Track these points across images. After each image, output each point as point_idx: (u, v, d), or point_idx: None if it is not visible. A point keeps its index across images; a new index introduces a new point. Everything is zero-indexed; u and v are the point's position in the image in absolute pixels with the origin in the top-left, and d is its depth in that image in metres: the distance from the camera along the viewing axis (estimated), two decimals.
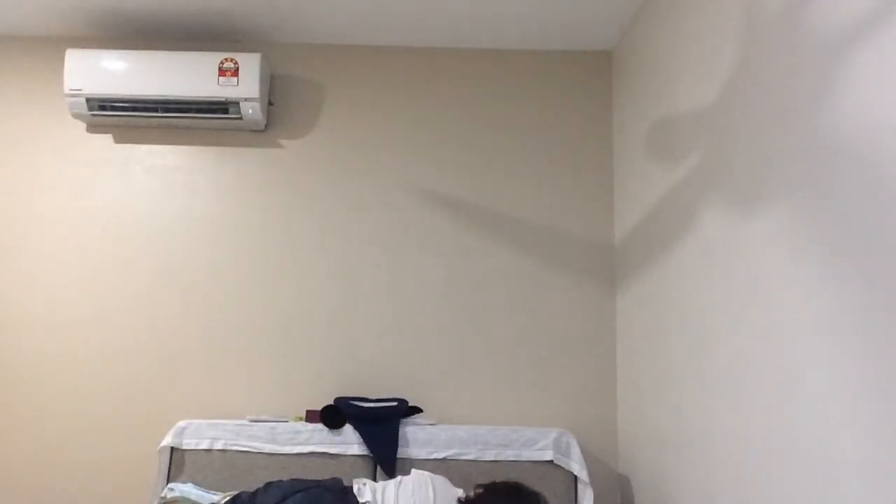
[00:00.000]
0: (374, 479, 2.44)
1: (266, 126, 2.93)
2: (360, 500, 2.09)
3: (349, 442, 2.51)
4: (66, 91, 2.71)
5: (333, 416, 2.53)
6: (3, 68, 2.97)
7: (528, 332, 2.81)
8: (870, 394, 1.25)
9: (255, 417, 2.58)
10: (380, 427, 2.52)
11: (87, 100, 2.72)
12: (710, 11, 2.01)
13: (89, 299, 2.80)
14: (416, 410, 2.63)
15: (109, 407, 2.73)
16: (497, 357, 2.80)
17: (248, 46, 2.98)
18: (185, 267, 2.84)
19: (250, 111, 2.75)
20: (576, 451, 2.50)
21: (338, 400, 2.60)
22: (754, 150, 1.72)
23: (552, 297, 2.83)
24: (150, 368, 2.76)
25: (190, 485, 2.38)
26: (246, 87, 2.71)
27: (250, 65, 2.72)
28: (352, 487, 2.17)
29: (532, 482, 2.32)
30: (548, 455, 2.49)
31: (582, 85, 3.00)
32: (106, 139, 2.94)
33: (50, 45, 2.95)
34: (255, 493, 2.12)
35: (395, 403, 2.61)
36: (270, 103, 2.92)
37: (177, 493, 2.32)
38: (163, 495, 2.33)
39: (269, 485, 2.16)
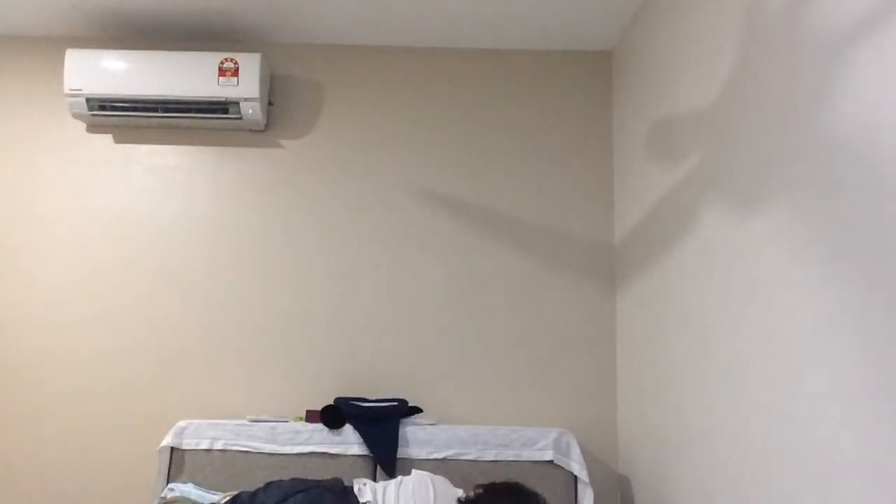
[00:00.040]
0: (375, 479, 2.44)
1: (266, 126, 2.93)
2: (361, 500, 2.09)
3: (349, 442, 2.51)
4: (66, 91, 2.71)
5: (333, 416, 2.53)
6: (3, 68, 2.97)
7: (528, 332, 2.81)
8: (870, 394, 1.25)
9: (255, 417, 2.58)
10: (380, 427, 2.52)
11: (87, 100, 2.72)
12: (710, 11, 2.01)
13: (89, 299, 2.80)
14: (416, 410, 2.63)
15: (109, 407, 2.73)
16: (497, 357, 2.80)
17: (248, 46, 2.98)
18: (184, 267, 2.84)
19: (250, 111, 2.75)
20: (576, 451, 2.50)
21: (338, 400, 2.60)
22: (754, 150, 1.72)
23: (552, 297, 2.83)
24: (150, 368, 2.76)
25: (190, 485, 2.38)
26: (246, 87, 2.71)
27: (250, 65, 2.72)
28: (352, 487, 2.17)
29: (532, 482, 2.32)
30: (548, 455, 2.49)
31: (582, 85, 3.00)
32: (106, 139, 2.94)
33: (50, 45, 2.95)
34: (255, 494, 2.13)
35: (395, 403, 2.61)
36: (270, 103, 2.92)
37: (177, 493, 2.32)
38: (163, 495, 2.33)
39: (269, 485, 2.16)
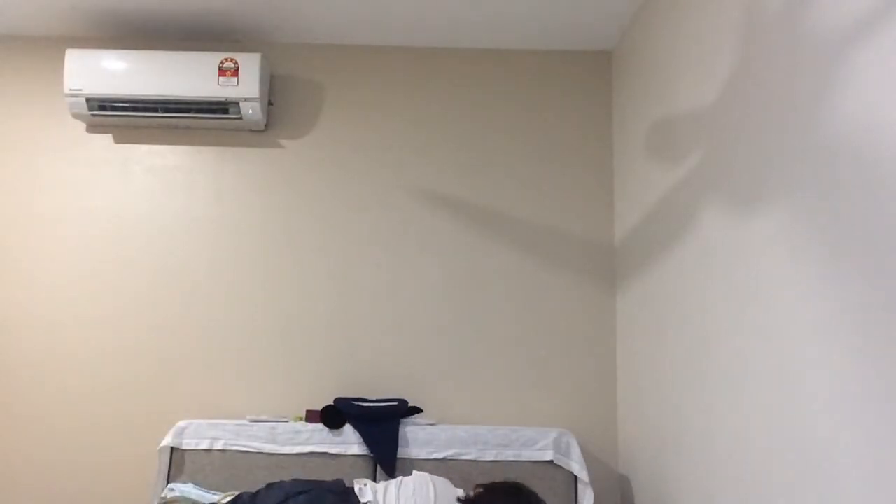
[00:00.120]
0: (375, 480, 2.44)
1: (266, 126, 2.93)
2: (362, 500, 2.09)
3: (349, 442, 2.51)
4: (66, 91, 2.71)
5: (333, 416, 2.53)
6: (3, 68, 2.97)
7: (528, 332, 2.81)
8: (870, 394, 1.25)
9: (255, 417, 2.58)
10: (380, 427, 2.52)
11: (87, 100, 2.72)
12: (710, 11, 2.01)
13: (89, 299, 2.80)
14: (416, 410, 2.63)
15: (109, 407, 2.73)
16: (497, 357, 2.80)
17: (248, 46, 2.98)
18: (185, 267, 2.84)
19: (250, 111, 2.75)
20: (576, 451, 2.50)
21: (338, 400, 2.60)
22: (754, 150, 1.72)
23: (552, 297, 2.83)
24: (150, 368, 2.76)
25: (190, 485, 2.38)
26: (246, 87, 2.71)
27: (250, 65, 2.72)
28: (353, 488, 2.17)
29: (532, 482, 2.32)
30: (548, 455, 2.49)
31: (582, 85, 3.00)
32: (106, 139, 2.94)
33: (50, 45, 2.95)
34: (256, 494, 2.12)
35: (395, 403, 2.61)
36: (270, 103, 2.92)
37: (177, 493, 2.32)
38: (163, 495, 2.33)
39: (270, 486, 2.16)
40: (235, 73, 2.70)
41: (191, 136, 2.94)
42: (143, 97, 2.71)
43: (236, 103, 2.73)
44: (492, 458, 2.49)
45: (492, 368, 2.79)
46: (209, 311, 2.80)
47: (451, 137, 2.95)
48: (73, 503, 2.66)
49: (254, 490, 2.16)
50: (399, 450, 2.49)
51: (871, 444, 1.25)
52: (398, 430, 2.52)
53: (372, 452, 2.47)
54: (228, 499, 2.18)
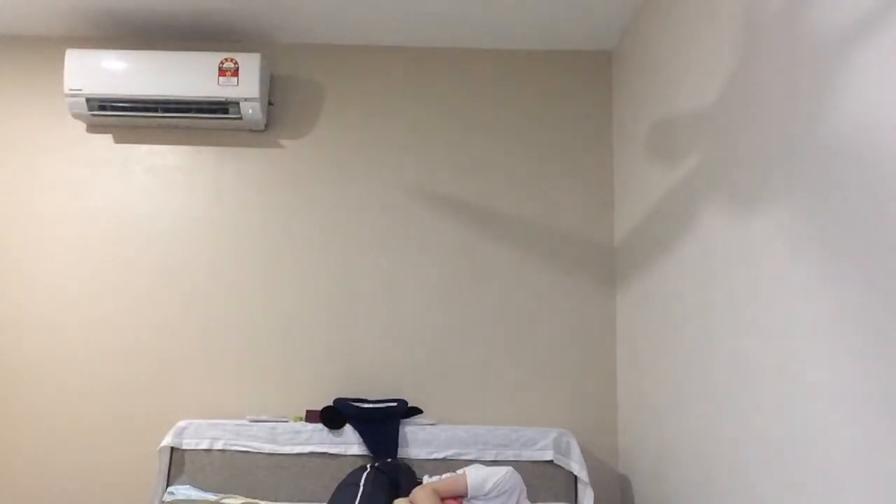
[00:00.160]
0: None
1: (266, 126, 2.93)
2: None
3: (349, 442, 2.51)
4: (66, 91, 2.71)
5: (333, 416, 2.53)
6: (3, 68, 2.97)
7: (528, 332, 2.81)
8: (870, 393, 1.25)
9: (255, 417, 2.58)
10: (380, 427, 2.52)
11: (87, 100, 2.72)
12: (710, 11, 2.01)
13: (89, 299, 2.80)
14: (416, 411, 2.63)
15: (109, 407, 2.73)
16: (497, 357, 2.80)
17: (248, 46, 2.98)
18: (185, 267, 2.84)
19: (250, 111, 2.75)
20: (576, 451, 2.50)
21: (337, 401, 2.60)
22: (754, 150, 1.72)
23: (552, 297, 2.83)
24: (150, 368, 2.76)
25: (188, 486, 2.39)
26: (246, 87, 2.71)
27: (250, 65, 2.72)
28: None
29: (532, 482, 2.33)
30: (548, 455, 2.49)
31: (582, 85, 3.00)
32: (106, 139, 2.94)
33: (50, 45, 2.94)
34: None
35: (394, 404, 2.61)
36: (270, 103, 2.92)
37: (177, 497, 2.32)
38: (164, 499, 2.34)
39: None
40: (235, 73, 2.70)
41: (191, 136, 2.94)
42: (143, 97, 2.71)
43: (236, 103, 2.73)
44: (492, 458, 2.49)
45: (492, 368, 2.79)
46: (209, 311, 2.80)
47: (451, 137, 2.95)
48: (73, 503, 2.66)
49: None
50: (399, 450, 2.49)
51: (871, 444, 1.25)
52: (398, 430, 2.52)
53: (372, 453, 2.47)
54: (229, 499, 2.18)
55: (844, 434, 1.32)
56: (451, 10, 2.72)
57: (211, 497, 2.33)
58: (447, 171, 2.93)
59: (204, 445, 2.49)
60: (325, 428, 2.52)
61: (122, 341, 2.77)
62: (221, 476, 2.45)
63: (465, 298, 2.83)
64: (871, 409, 1.25)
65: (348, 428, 2.53)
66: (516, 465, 2.33)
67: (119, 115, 2.78)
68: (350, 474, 2.29)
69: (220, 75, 2.70)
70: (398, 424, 2.54)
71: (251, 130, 2.94)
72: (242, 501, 2.31)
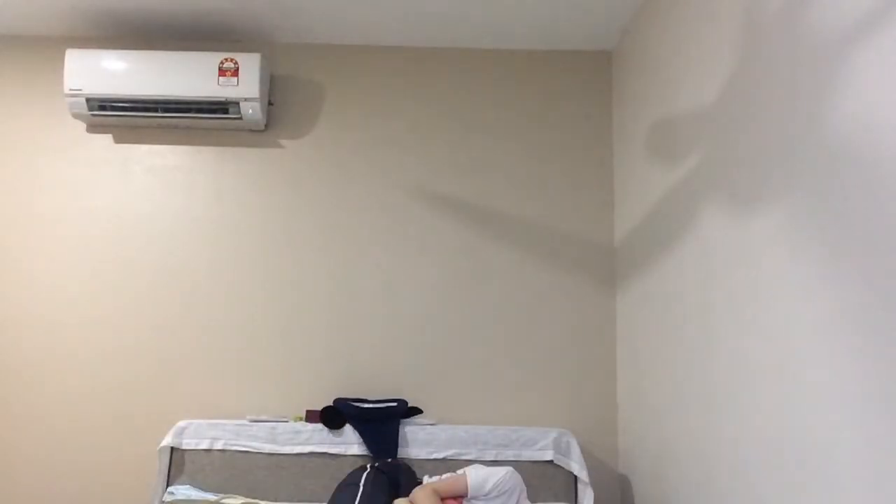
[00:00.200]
0: None
1: (266, 126, 2.93)
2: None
3: (349, 442, 2.51)
4: (66, 91, 2.71)
5: (333, 416, 2.53)
6: (3, 68, 2.97)
7: (528, 332, 2.81)
8: (870, 394, 1.25)
9: (255, 417, 2.58)
10: (380, 427, 2.52)
11: (87, 100, 2.72)
12: (710, 11, 2.01)
13: (89, 299, 2.80)
14: (416, 411, 2.63)
15: (109, 407, 2.73)
16: (497, 357, 2.80)
17: (248, 46, 2.98)
18: (185, 267, 2.84)
19: (250, 111, 2.75)
20: (576, 451, 2.50)
21: (337, 401, 2.60)
22: (754, 150, 1.72)
23: (552, 297, 2.83)
24: (150, 368, 2.76)
25: (188, 486, 2.39)
26: (246, 87, 2.71)
27: (250, 65, 2.72)
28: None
29: (532, 482, 2.33)
30: (548, 455, 2.49)
31: (582, 85, 3.00)
32: (106, 139, 2.94)
33: (50, 45, 2.94)
34: None
35: (394, 404, 2.61)
36: (270, 103, 2.92)
37: (177, 497, 2.32)
38: (164, 499, 2.34)
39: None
40: (235, 73, 2.70)
41: (191, 136, 2.94)
42: (143, 97, 2.71)
43: (236, 103, 2.73)
44: (492, 458, 2.49)
45: (492, 368, 2.79)
46: (209, 311, 2.80)
47: (451, 137, 2.95)
48: (73, 503, 2.66)
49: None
50: (399, 450, 2.49)
51: (871, 444, 1.25)
52: (398, 430, 2.52)
53: (372, 453, 2.47)
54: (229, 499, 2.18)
55: (844, 434, 1.32)
56: (451, 10, 2.72)
57: (211, 497, 2.33)
58: (447, 171, 2.93)
59: (204, 445, 2.49)
60: (325, 428, 2.52)
61: (122, 341, 2.77)
62: (221, 476, 2.45)
63: (465, 298, 2.83)
64: (871, 409, 1.25)
65: (348, 428, 2.53)
66: (516, 465, 2.33)
67: (119, 115, 2.78)
68: (350, 474, 2.29)
69: (220, 75, 2.70)
70: (398, 424, 2.54)
71: (251, 130, 2.94)
72: (242, 501, 2.31)
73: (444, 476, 2.19)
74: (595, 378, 2.79)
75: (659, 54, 2.45)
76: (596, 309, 2.84)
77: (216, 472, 2.46)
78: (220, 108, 2.74)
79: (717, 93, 1.94)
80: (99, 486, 2.67)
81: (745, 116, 1.77)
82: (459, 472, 2.16)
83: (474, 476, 2.10)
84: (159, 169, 2.91)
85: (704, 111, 2.03)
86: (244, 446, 2.49)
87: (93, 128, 2.93)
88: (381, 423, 2.54)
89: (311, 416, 2.57)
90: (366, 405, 2.59)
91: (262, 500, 2.38)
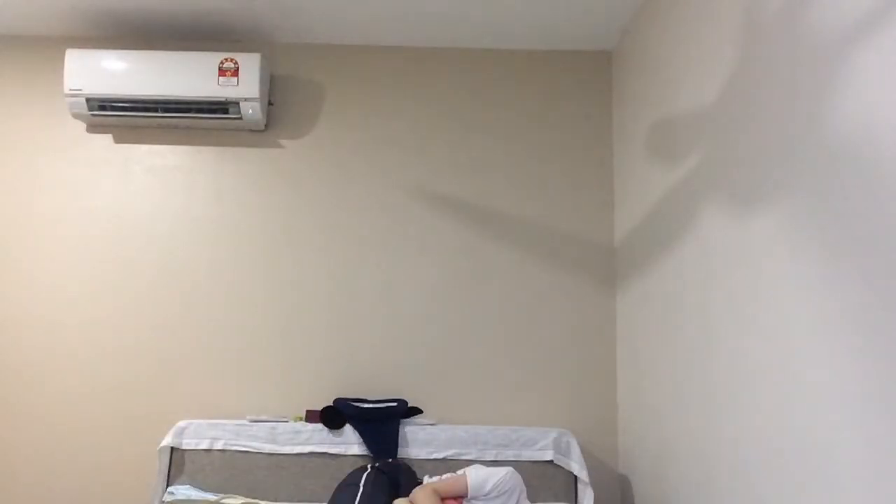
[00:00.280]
0: None
1: (266, 126, 2.93)
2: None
3: (349, 442, 2.51)
4: (66, 91, 2.71)
5: (333, 416, 2.53)
6: (3, 68, 2.97)
7: (528, 332, 2.81)
8: (870, 394, 1.25)
9: (255, 417, 2.58)
10: (380, 427, 2.52)
11: (87, 100, 2.72)
12: (710, 11, 2.01)
13: (89, 299, 2.80)
14: (416, 411, 2.63)
15: (109, 407, 2.73)
16: (497, 357, 2.80)
17: (248, 46, 2.98)
18: (184, 267, 2.84)
19: (250, 111, 2.75)
20: (576, 451, 2.50)
21: (337, 401, 2.60)
22: (754, 150, 1.72)
23: (552, 297, 2.83)
24: (150, 368, 2.76)
25: (188, 486, 2.39)
26: (246, 87, 2.71)
27: (250, 65, 2.72)
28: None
29: (532, 482, 2.33)
30: (548, 455, 2.49)
31: (582, 85, 3.00)
32: (106, 139, 2.94)
33: (50, 45, 2.94)
34: None
35: (394, 404, 2.61)
36: (270, 103, 2.92)
37: (177, 497, 2.32)
38: (164, 499, 2.34)
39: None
40: (235, 73, 2.70)
41: (191, 136, 2.94)
42: (143, 97, 2.71)
43: (236, 103, 2.73)
44: (492, 458, 2.49)
45: (492, 368, 2.79)
46: (209, 311, 2.80)
47: (451, 137, 2.95)
48: (73, 503, 2.66)
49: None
50: (399, 450, 2.49)
51: (871, 444, 1.25)
52: (398, 430, 2.52)
53: (372, 453, 2.47)
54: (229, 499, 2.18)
55: (844, 434, 1.32)
56: (451, 10, 2.72)
57: (211, 497, 2.33)
58: (447, 170, 2.93)
59: (204, 445, 2.49)
60: (325, 428, 2.52)
61: (122, 341, 2.77)
62: (221, 476, 2.45)
63: (465, 298, 2.83)
64: (871, 409, 1.25)
65: (348, 428, 2.53)
66: (516, 465, 2.34)
67: (119, 115, 2.78)
68: (350, 474, 2.29)
69: (220, 75, 2.70)
70: (398, 424, 2.54)
71: (251, 130, 2.94)
72: (242, 501, 2.31)
73: (444, 476, 2.19)
74: (595, 378, 2.79)
75: (659, 54, 2.45)
76: (596, 309, 2.84)
77: (216, 472, 2.45)
78: (220, 108, 2.74)
79: (717, 93, 1.94)
80: (99, 486, 2.67)
81: (745, 116, 1.77)
82: (459, 472, 2.16)
83: (474, 476, 2.10)
84: (159, 169, 2.91)
85: (704, 111, 2.03)
86: (244, 446, 2.49)
87: (93, 128, 2.93)
88: (381, 423, 2.54)
89: (311, 416, 2.57)
90: (366, 405, 2.59)
91: (262, 500, 2.38)
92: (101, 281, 2.82)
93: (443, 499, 2.08)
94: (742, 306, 1.75)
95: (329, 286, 2.83)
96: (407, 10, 2.74)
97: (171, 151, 2.93)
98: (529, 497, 2.21)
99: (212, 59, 2.72)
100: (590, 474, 2.47)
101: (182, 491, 2.35)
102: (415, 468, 2.42)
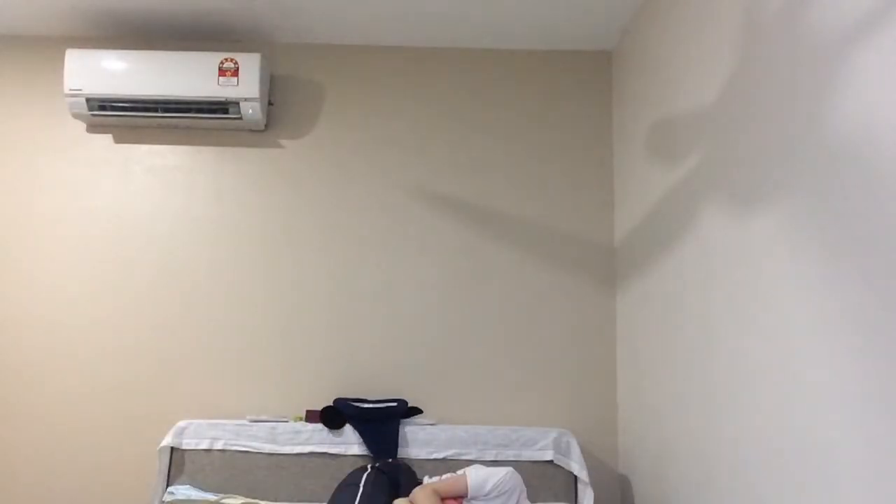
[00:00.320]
0: None
1: (266, 126, 2.93)
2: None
3: (349, 442, 2.51)
4: (66, 91, 2.71)
5: (333, 416, 2.53)
6: (3, 68, 2.97)
7: (528, 332, 2.81)
8: (870, 394, 1.25)
9: (255, 417, 2.58)
10: (380, 427, 2.52)
11: (87, 100, 2.72)
12: (710, 11, 2.01)
13: (89, 299, 2.80)
14: (416, 411, 2.63)
15: (109, 407, 2.73)
16: (497, 357, 2.80)
17: (248, 46, 2.98)
18: (184, 267, 2.84)
19: (250, 111, 2.75)
20: (576, 451, 2.50)
21: (337, 401, 2.60)
22: (754, 150, 1.72)
23: (552, 297, 2.83)
24: (150, 368, 2.76)
25: (188, 486, 2.39)
26: (246, 87, 2.71)
27: (250, 65, 2.72)
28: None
29: (532, 482, 2.33)
30: (548, 455, 2.49)
31: (582, 85, 3.00)
32: (106, 139, 2.94)
33: (50, 45, 2.94)
34: None
35: (394, 404, 2.61)
36: (270, 103, 2.92)
37: (177, 497, 2.32)
38: (164, 499, 2.34)
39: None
40: (235, 73, 2.70)
41: (191, 136, 2.94)
42: (143, 97, 2.71)
43: (236, 103, 2.73)
44: (492, 458, 2.49)
45: (492, 368, 2.79)
46: (209, 311, 2.80)
47: (451, 137, 2.95)
48: (73, 503, 2.66)
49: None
50: (399, 450, 2.49)
51: (871, 444, 1.25)
52: (398, 430, 2.52)
53: (372, 453, 2.47)
54: (229, 499, 2.18)
55: (844, 434, 1.32)
56: (451, 10, 2.72)
57: (211, 497, 2.33)
58: (447, 170, 2.93)
59: (204, 445, 2.49)
60: (325, 428, 2.52)
61: (122, 341, 2.77)
62: (221, 476, 2.45)
63: (465, 298, 2.83)
64: (871, 409, 1.25)
65: (348, 428, 2.53)
66: (516, 465, 2.34)
67: (119, 115, 2.78)
68: (350, 474, 2.29)
69: (220, 75, 2.70)
70: (398, 424, 2.54)
71: (251, 130, 2.94)
72: (242, 501, 2.31)
73: (444, 476, 2.19)
74: (595, 378, 2.79)
75: (659, 54, 2.45)
76: (596, 309, 2.84)
77: (216, 472, 2.45)
78: (220, 108, 2.74)
79: (717, 93, 1.94)
80: (99, 486, 2.67)
81: (745, 116, 1.77)
82: (459, 472, 2.16)
83: (474, 476, 2.10)
84: (159, 169, 2.91)
85: (704, 111, 2.03)
86: (244, 446, 2.49)
87: (93, 128, 2.93)
88: (381, 423, 2.54)
89: (311, 416, 2.57)
90: (366, 405, 2.59)
91: (262, 500, 2.38)
92: (101, 281, 2.82)
93: (443, 499, 2.08)
94: (742, 306, 1.75)
95: (329, 286, 2.83)
96: (407, 10, 2.74)
97: (171, 151, 2.93)
98: (529, 497, 2.21)
99: (212, 59, 2.72)
100: (590, 474, 2.47)
101: (182, 491, 2.35)
102: (415, 468, 2.42)
